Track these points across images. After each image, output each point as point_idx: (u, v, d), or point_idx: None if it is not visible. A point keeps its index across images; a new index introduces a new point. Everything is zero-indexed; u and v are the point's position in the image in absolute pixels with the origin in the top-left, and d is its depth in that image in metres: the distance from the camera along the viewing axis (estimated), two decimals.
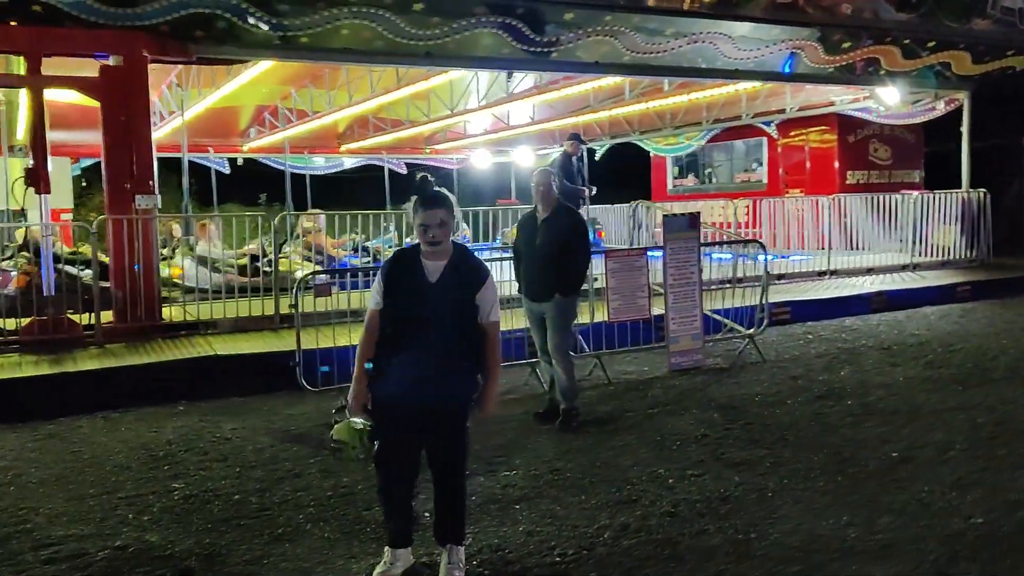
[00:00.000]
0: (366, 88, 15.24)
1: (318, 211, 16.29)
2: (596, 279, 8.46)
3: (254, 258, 13.10)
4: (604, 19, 9.51)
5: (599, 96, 17.22)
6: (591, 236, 16.30)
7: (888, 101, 13.49)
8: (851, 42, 11.18)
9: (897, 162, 17.76)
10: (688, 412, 6.61)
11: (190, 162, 17.12)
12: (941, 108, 14.29)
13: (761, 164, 19.07)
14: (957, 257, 13.41)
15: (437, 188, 3.72)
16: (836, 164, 17.22)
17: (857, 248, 14.49)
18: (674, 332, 8.20)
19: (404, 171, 24.65)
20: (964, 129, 13.61)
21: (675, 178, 21.62)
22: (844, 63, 11.61)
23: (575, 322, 6.65)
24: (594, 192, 12.47)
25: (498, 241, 20.53)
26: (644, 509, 4.63)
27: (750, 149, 19.41)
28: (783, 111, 16.58)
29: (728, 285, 9.72)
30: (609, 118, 19.54)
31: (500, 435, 6.17)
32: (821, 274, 12.32)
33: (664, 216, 8.43)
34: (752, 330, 8.89)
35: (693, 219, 8.36)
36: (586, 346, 8.13)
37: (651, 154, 21.90)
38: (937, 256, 13.42)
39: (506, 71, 10.46)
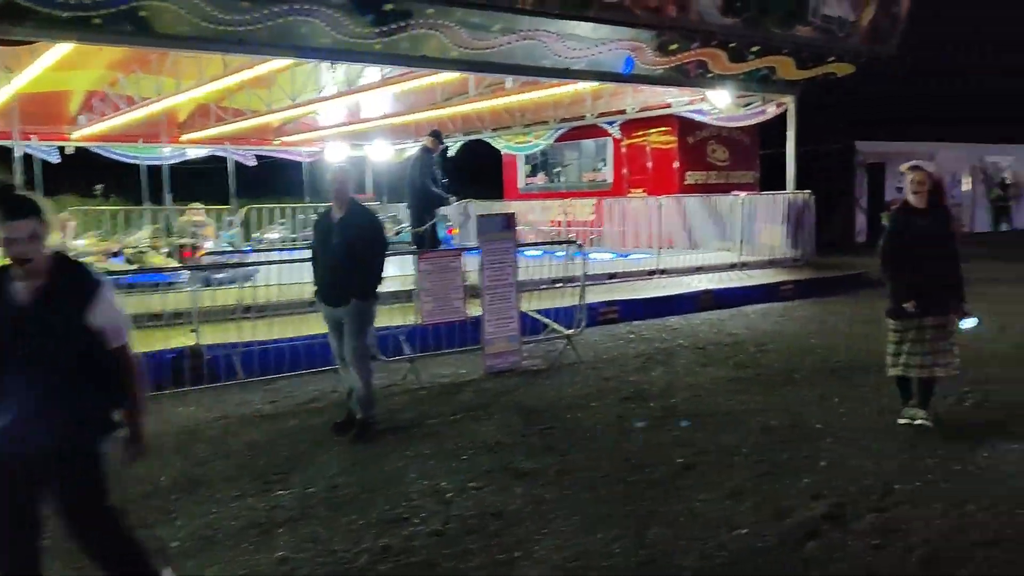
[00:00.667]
0: (195, 74, 14.41)
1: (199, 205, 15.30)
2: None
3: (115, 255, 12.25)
4: (427, 12, 9.22)
5: (445, 92, 16.99)
6: (441, 233, 16.05)
7: (719, 103, 13.81)
8: (679, 44, 11.32)
9: (734, 163, 18.31)
10: (491, 418, 6.41)
11: (6, 150, 15.82)
12: (771, 111, 14.75)
13: (606, 164, 19.28)
14: (783, 256, 13.86)
15: (23, 193, 3.13)
16: (676, 165, 17.57)
17: (695, 247, 14.82)
18: (490, 334, 8.00)
19: (253, 163, 23.68)
20: (790, 132, 14.08)
21: (526, 176, 21.60)
22: (674, 65, 11.77)
23: (375, 326, 6.33)
24: (453, 202, 12.01)
25: None
26: (413, 528, 4.36)
27: (597, 149, 19.60)
28: (624, 112, 16.76)
29: (559, 285, 9.63)
30: (461, 114, 19.30)
31: (289, 448, 5.80)
32: (652, 273, 12.45)
33: (478, 217, 8.22)
34: (571, 331, 8.81)
35: (508, 219, 8.18)
36: (407, 348, 7.83)
37: (502, 152, 21.81)
38: (765, 255, 13.83)
39: (330, 62, 9.99)
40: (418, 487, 4.98)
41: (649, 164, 18.21)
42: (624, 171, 18.75)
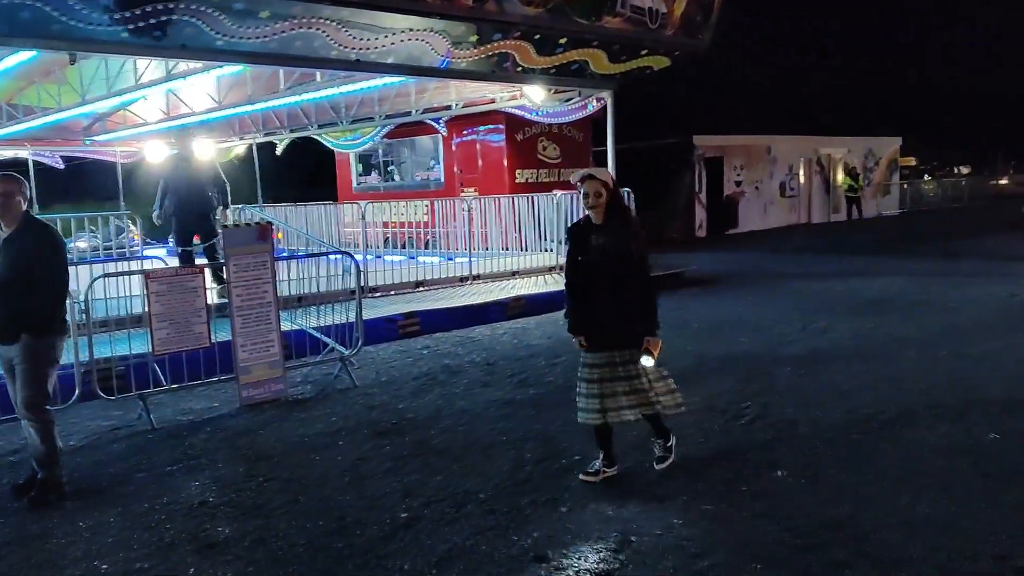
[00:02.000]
0: None
1: None
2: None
3: None
4: None
5: (256, 86, 15.81)
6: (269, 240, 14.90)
7: (535, 98, 13.27)
8: (478, 36, 10.65)
9: (566, 160, 17.91)
10: (212, 467, 5.51)
11: None
12: (595, 106, 14.30)
13: (438, 162, 18.54)
14: None
15: None
16: (505, 163, 17.00)
17: (526, 250, 14.25)
18: (245, 361, 7.08)
19: (61, 166, 21.72)
20: (609, 129, 13.67)
21: (359, 175, 20.60)
22: (477, 57, 11.08)
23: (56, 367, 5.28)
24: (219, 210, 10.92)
25: None
26: None
27: (428, 147, 18.83)
28: (449, 107, 16.01)
29: (341, 298, 8.77)
30: (284, 110, 18.12)
31: None
32: (464, 279, 11.77)
33: (223, 228, 7.28)
34: (349, 351, 8.00)
35: (263, 231, 7.26)
36: (131, 384, 6.79)
37: (335, 151, 20.72)
38: None
39: (69, 53, 8.80)
40: (72, 571, 4.05)
41: (480, 162, 17.58)
42: (456, 170, 18.06)
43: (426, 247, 17.02)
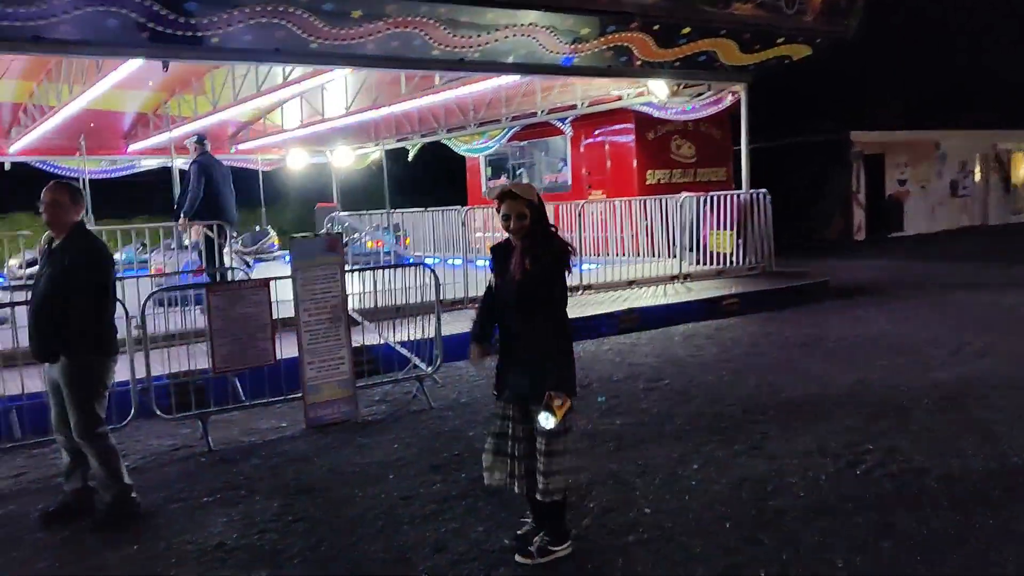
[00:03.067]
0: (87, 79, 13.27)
1: None
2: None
3: None
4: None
5: (382, 90, 15.71)
6: (358, 247, 14.67)
7: (660, 94, 12.37)
8: (591, 29, 9.90)
9: (703, 160, 16.79)
10: (248, 500, 5.07)
11: None
12: (730, 101, 13.21)
13: (566, 164, 17.86)
14: (736, 265, 12.34)
15: None
16: (635, 163, 16.10)
17: (654, 255, 13.34)
18: (312, 379, 6.67)
19: None
20: (742, 125, 12.56)
21: (488, 180, 20.22)
22: (591, 52, 10.32)
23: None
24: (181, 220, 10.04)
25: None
26: None
27: (556, 149, 18.18)
28: (575, 107, 15.31)
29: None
30: (401, 114, 18.03)
31: None
32: (574, 290, 11.01)
33: (291, 239, 6.88)
34: (429, 369, 7.46)
35: (332, 242, 6.83)
36: (193, 402, 6.51)
37: (466, 155, 20.44)
38: (715, 264, 12.32)
39: (162, 61, 8.76)
40: None
41: (608, 164, 16.76)
42: (584, 172, 17.32)
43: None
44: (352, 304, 9.04)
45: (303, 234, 7.51)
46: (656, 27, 10.18)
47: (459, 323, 9.43)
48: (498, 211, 3.89)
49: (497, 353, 4.04)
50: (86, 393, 4.76)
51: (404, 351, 7.85)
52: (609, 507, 4.65)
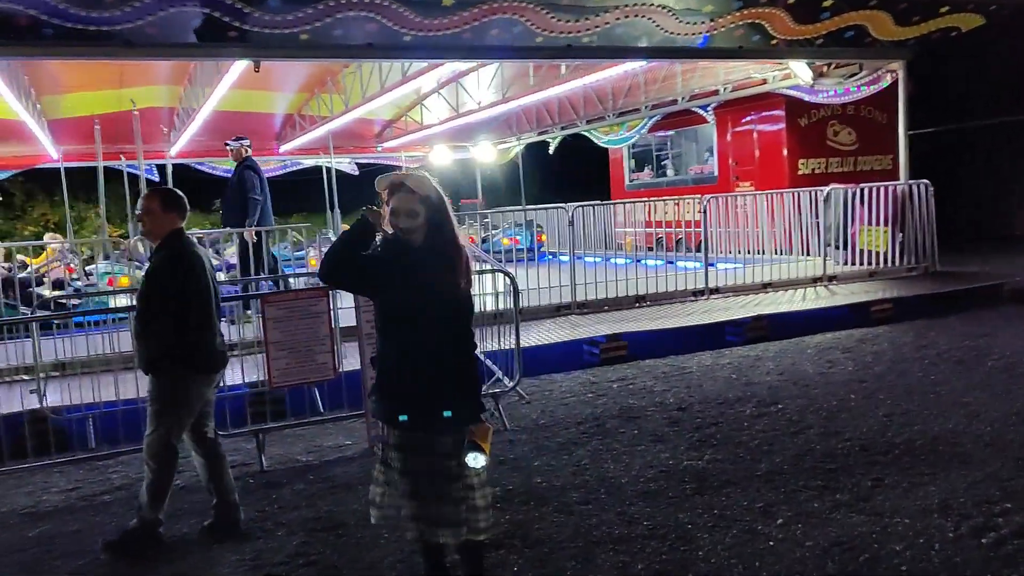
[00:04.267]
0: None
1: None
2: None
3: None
4: None
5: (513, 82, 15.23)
6: (526, 240, 14.25)
7: (803, 75, 11.08)
8: (713, 7, 8.89)
9: (865, 147, 15.17)
10: (271, 535, 4.64)
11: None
12: (888, 81, 11.70)
13: (712, 154, 16.68)
14: (892, 265, 10.87)
15: None
16: (785, 152, 14.74)
17: (804, 254, 12.11)
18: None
19: (356, 172, 22.93)
20: (900, 109, 11.04)
21: (631, 172, 19.32)
22: (718, 31, 9.30)
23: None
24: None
25: None
26: None
27: (701, 138, 17.03)
28: (717, 92, 14.17)
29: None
30: (540, 103, 17.47)
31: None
32: (698, 294, 10.02)
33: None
34: (508, 384, 6.83)
35: None
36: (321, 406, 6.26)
37: (608, 148, 19.61)
38: (866, 264, 10.92)
39: (253, 61, 8.52)
40: None
41: (756, 153, 15.47)
42: (731, 162, 16.10)
43: (698, 250, 15.35)
44: None
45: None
46: (792, 1, 9.02)
47: (563, 330, 8.78)
48: (386, 204, 3.19)
49: (383, 373, 3.31)
50: (160, 407, 4.47)
51: (490, 363, 7.26)
52: (662, 570, 3.86)
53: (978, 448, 5.15)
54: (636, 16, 8.75)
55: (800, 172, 14.67)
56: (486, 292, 8.29)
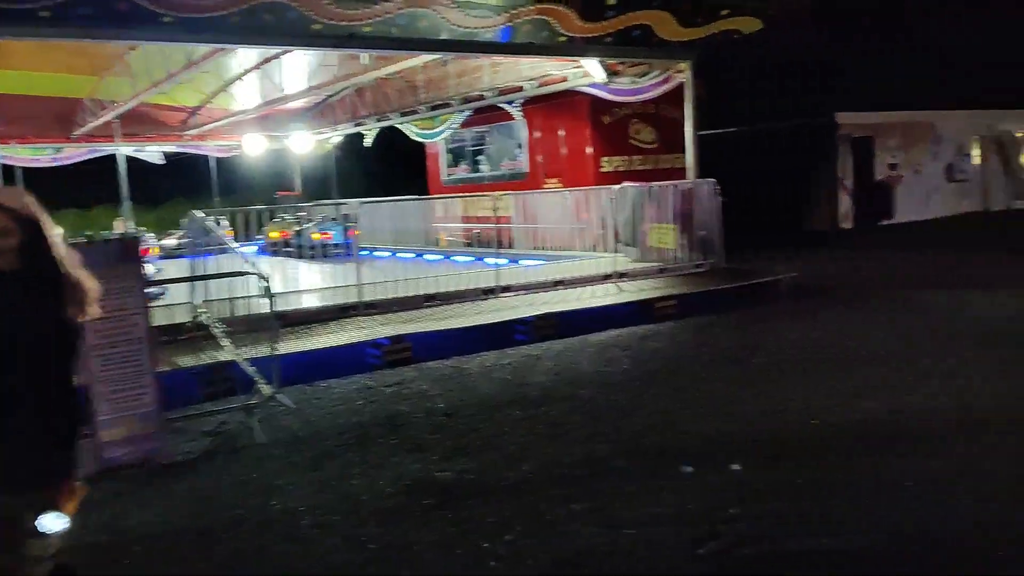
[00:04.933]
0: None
1: None
2: None
3: None
4: None
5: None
6: (339, 236, 13.72)
7: (596, 74, 11.16)
8: (500, 1, 8.74)
9: (665, 145, 15.58)
10: None
11: None
12: (680, 79, 11.95)
13: (523, 150, 16.70)
14: (681, 262, 11.14)
15: None
16: (590, 150, 14.92)
17: (593, 249, 12.23)
18: (107, 413, 5.59)
19: (162, 161, 21.51)
20: (688, 106, 11.34)
21: (448, 167, 19.10)
22: (501, 27, 9.16)
23: None
24: None
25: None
26: None
27: (512, 134, 17.01)
28: (522, 89, 14.14)
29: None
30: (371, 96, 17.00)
31: None
32: (488, 292, 9.87)
33: (76, 244, 5.82)
34: (262, 393, 6.38)
35: (128, 247, 5.74)
36: None
37: (424, 142, 19.31)
38: (655, 261, 11.13)
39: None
40: None
41: (562, 150, 15.60)
42: (539, 158, 16.17)
43: (510, 246, 15.32)
44: (209, 314, 8.05)
45: (87, 234, 6.43)
46: None
47: (348, 332, 8.38)
48: None
49: None
50: None
51: (251, 370, 6.77)
52: None
53: (727, 449, 5.17)
54: (419, 7, 8.45)
55: (604, 169, 14.88)
56: (250, 295, 7.86)
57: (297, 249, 15.83)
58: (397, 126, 18.57)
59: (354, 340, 8.06)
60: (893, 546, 3.77)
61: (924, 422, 5.51)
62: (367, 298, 9.17)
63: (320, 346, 7.89)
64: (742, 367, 7.34)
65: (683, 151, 15.49)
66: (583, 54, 10.51)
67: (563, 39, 9.73)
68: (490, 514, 4.37)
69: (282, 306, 8.64)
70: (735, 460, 4.95)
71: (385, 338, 8.09)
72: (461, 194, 16.96)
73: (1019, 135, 24.81)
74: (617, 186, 11.18)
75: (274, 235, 17.33)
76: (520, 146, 16.78)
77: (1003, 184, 24.56)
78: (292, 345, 7.79)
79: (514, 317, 8.94)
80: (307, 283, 10.05)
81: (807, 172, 20.61)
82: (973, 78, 21.93)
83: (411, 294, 9.46)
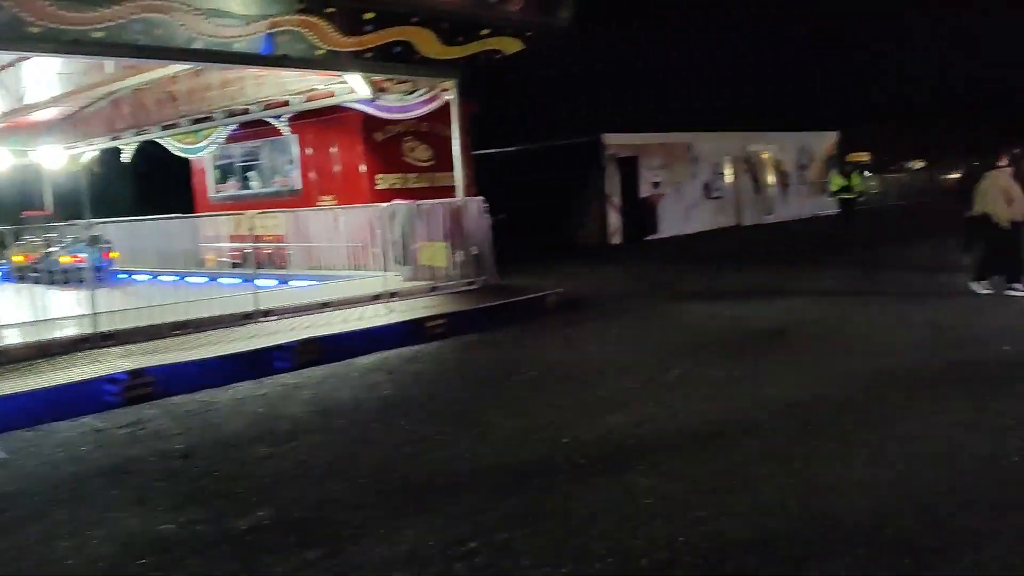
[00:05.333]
0: None
1: None
2: None
3: None
4: None
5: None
6: (94, 259, 12.39)
7: (360, 89, 10.94)
8: (247, 10, 8.29)
9: (441, 163, 15.50)
10: None
11: None
12: (448, 97, 11.91)
13: (295, 167, 16.12)
14: (452, 280, 11.09)
15: None
16: (363, 167, 14.63)
17: (364, 268, 11.91)
18: None
19: None
20: (454, 127, 11.37)
21: (216, 183, 18.08)
22: (252, 37, 8.69)
23: None
24: None
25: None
26: None
27: (285, 150, 16.37)
28: (287, 103, 13.60)
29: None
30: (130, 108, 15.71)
31: None
32: (247, 317, 9.34)
33: None
34: None
35: None
36: None
37: (190, 158, 18.16)
38: (428, 280, 11.02)
39: None
40: None
41: (336, 167, 15.20)
42: (312, 175, 15.66)
43: (284, 267, 14.69)
44: None
45: None
46: (330, 10, 8.71)
47: (78, 368, 7.55)
48: None
49: None
50: None
51: None
52: None
53: (474, 477, 5.05)
54: (155, 12, 7.82)
55: (379, 187, 14.63)
56: None
57: (47, 274, 14.35)
58: (158, 140, 17.34)
59: (86, 376, 7.29)
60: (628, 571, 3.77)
61: (665, 436, 5.67)
62: (105, 328, 8.35)
63: (44, 385, 7.06)
64: (500, 386, 7.34)
65: (464, 169, 15.67)
66: (343, 69, 10.23)
67: (321, 52, 9.40)
68: (214, 571, 3.98)
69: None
70: (483, 486, 4.86)
71: (123, 372, 7.38)
72: (221, 212, 16.14)
73: (765, 156, 27.13)
74: (385, 204, 10.95)
75: (18, 259, 15.66)
76: (292, 162, 16.17)
77: (753, 201, 26.75)
78: (9, 385, 6.93)
79: (274, 343, 8.47)
80: (41, 312, 9.03)
81: (579, 190, 21.43)
82: (727, 102, 23.78)
83: (158, 322, 8.72)
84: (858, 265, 14.41)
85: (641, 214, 22.49)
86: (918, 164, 53.46)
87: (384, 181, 14.74)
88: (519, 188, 21.03)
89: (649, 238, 22.44)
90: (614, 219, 21.84)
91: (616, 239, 21.83)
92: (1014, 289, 10.15)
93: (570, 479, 4.94)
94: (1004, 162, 10.46)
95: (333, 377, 8.03)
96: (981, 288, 10.33)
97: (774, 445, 5.33)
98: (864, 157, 39.78)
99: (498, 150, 22.94)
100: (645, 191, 22.71)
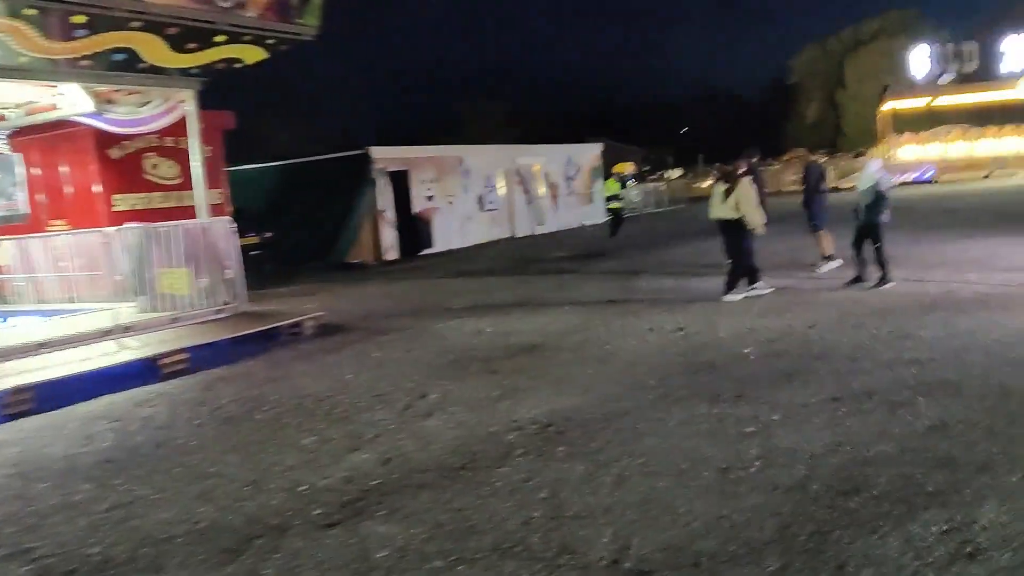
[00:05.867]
0: None
1: None
2: None
3: None
4: None
5: None
6: None
7: (79, 101, 9.83)
8: None
9: (190, 181, 14.41)
10: None
11: None
12: (186, 110, 10.93)
13: (22, 189, 14.34)
14: (197, 309, 10.15)
15: None
16: (97, 187, 13.27)
17: (96, 300, 10.67)
18: None
19: None
20: (193, 139, 10.48)
21: None
22: None
23: None
24: None
25: None
26: None
27: (8, 169, 14.53)
28: (2, 118, 12.02)
29: None
30: None
31: None
32: None
33: None
34: None
35: None
36: None
37: None
38: (170, 310, 10.03)
39: None
40: None
41: (68, 188, 13.69)
42: (40, 197, 14.01)
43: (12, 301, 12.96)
44: None
45: None
46: (29, 11, 7.64)
47: None
48: None
49: None
50: None
51: None
52: None
53: (188, 545, 4.41)
54: None
55: (118, 208, 13.32)
56: None
57: None
58: None
59: None
60: None
61: (413, 472, 5.29)
62: None
63: None
64: (240, 427, 6.67)
65: (212, 186, 14.56)
66: (57, 79, 9.09)
67: (26, 59, 8.27)
68: None
69: None
70: (198, 555, 4.24)
71: None
72: None
73: (535, 168, 27.73)
74: (115, 228, 9.87)
75: None
76: (16, 184, 14.37)
77: (526, 212, 27.25)
78: None
79: None
80: None
81: (349, 205, 20.79)
82: (507, 115, 23.96)
83: None
84: (619, 273, 14.83)
85: (416, 228, 22.19)
86: (676, 173, 57.40)
87: (124, 202, 13.45)
88: (287, 205, 20.13)
89: (425, 252, 22.19)
90: (388, 234, 21.38)
91: (391, 254, 21.38)
92: (756, 289, 10.70)
93: (300, 534, 4.43)
94: (743, 169, 10.95)
95: (46, 430, 7.00)
96: (734, 296, 10.55)
97: (525, 472, 5.09)
98: (630, 168, 42.04)
99: (261, 165, 21.87)
100: (419, 205, 22.44)
